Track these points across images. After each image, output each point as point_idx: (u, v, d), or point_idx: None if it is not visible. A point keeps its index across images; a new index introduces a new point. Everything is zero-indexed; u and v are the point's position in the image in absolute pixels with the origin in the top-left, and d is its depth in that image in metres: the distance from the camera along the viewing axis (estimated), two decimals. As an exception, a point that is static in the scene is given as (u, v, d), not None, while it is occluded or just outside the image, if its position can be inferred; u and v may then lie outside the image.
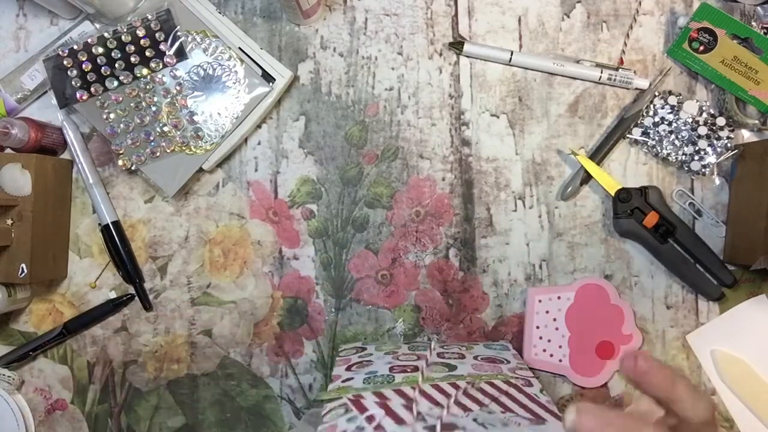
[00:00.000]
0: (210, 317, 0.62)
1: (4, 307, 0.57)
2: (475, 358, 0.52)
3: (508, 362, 0.52)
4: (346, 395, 0.44)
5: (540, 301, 0.60)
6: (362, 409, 0.42)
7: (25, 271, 0.56)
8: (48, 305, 0.62)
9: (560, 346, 0.59)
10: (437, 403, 0.42)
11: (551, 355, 0.59)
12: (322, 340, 0.61)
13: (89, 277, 0.62)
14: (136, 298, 0.61)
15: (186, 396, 0.61)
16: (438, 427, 0.35)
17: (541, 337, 0.59)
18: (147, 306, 0.61)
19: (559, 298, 0.60)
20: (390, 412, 0.41)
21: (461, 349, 0.55)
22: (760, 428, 0.58)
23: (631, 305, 0.60)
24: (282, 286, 0.62)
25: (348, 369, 0.51)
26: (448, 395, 0.43)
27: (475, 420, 0.38)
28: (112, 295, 0.62)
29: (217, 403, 0.61)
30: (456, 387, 0.44)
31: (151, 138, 0.59)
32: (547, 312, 0.60)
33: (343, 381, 0.48)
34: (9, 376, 0.59)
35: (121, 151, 0.59)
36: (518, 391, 0.45)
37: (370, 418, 0.41)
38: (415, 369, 0.48)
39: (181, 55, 0.59)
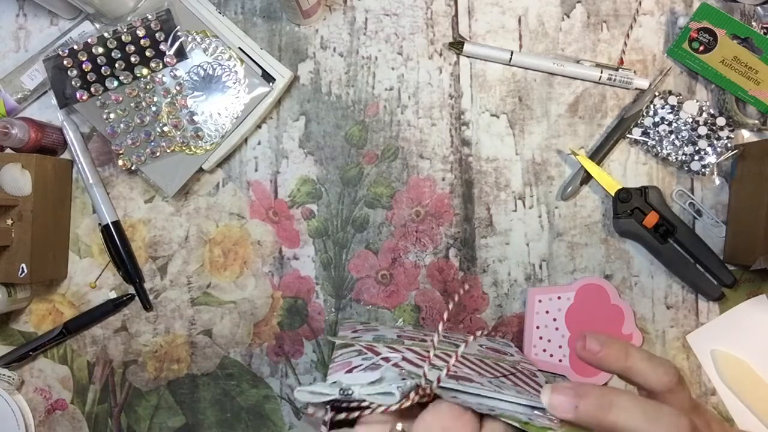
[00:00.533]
0: (210, 317, 0.62)
1: (4, 307, 0.57)
2: (480, 345, 0.52)
3: (512, 355, 0.52)
4: (359, 343, 0.43)
5: (540, 301, 0.60)
6: (376, 353, 0.40)
7: (25, 271, 0.56)
8: (48, 305, 0.62)
9: (560, 346, 0.59)
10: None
11: (551, 355, 0.59)
12: (322, 340, 0.61)
13: (89, 277, 0.62)
14: (136, 298, 0.61)
15: (186, 396, 0.61)
16: (455, 372, 0.33)
17: (541, 337, 0.59)
18: (147, 306, 0.61)
19: (559, 298, 0.60)
20: (405, 358, 0.40)
21: (465, 337, 0.54)
22: (760, 428, 0.58)
23: (631, 305, 0.60)
24: (282, 286, 0.62)
25: (354, 332, 0.49)
26: (459, 363, 0.43)
27: (490, 382, 0.37)
28: (112, 295, 0.62)
29: (217, 403, 0.61)
30: (466, 359, 0.44)
31: (151, 138, 0.59)
32: (547, 312, 0.60)
33: (352, 338, 0.46)
34: (9, 376, 0.59)
35: (121, 151, 0.59)
36: (525, 377, 0.45)
37: (386, 359, 0.39)
38: (422, 340, 0.48)
39: (181, 55, 0.59)
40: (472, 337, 0.35)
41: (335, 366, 0.39)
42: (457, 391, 0.33)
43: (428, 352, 0.33)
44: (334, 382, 0.31)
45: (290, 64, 0.63)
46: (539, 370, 0.51)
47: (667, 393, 0.34)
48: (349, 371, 0.37)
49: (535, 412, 0.32)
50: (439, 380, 0.31)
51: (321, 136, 0.62)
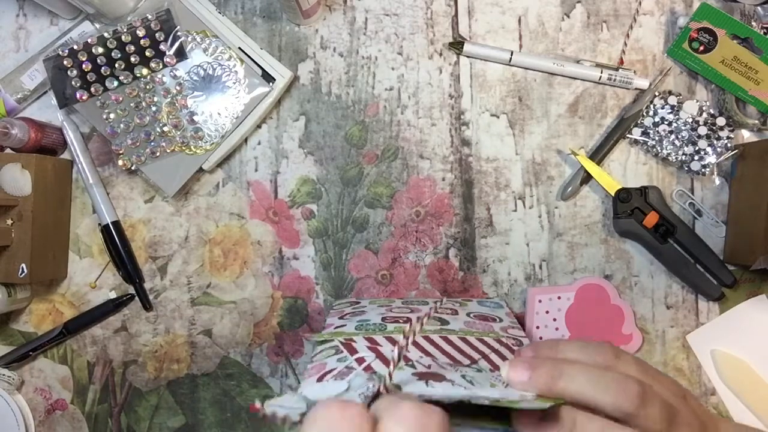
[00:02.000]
0: (210, 317, 0.62)
1: (4, 307, 0.57)
2: (468, 315, 0.51)
3: (501, 320, 0.51)
4: (338, 338, 0.44)
5: (540, 301, 0.60)
6: (353, 351, 0.42)
7: (25, 271, 0.56)
8: (48, 305, 0.62)
9: (560, 346, 0.59)
10: (427, 353, 0.42)
11: (551, 355, 0.59)
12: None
13: (89, 277, 0.62)
14: (136, 298, 0.61)
15: (186, 396, 0.61)
16: (429, 368, 0.35)
17: (541, 337, 0.59)
18: (147, 306, 0.61)
19: (559, 298, 0.60)
20: (380, 356, 0.41)
21: (455, 305, 0.54)
22: (761, 428, 0.58)
23: (631, 305, 0.60)
24: (282, 286, 0.62)
25: (341, 318, 0.50)
26: (438, 347, 0.43)
27: (463, 376, 0.38)
28: (112, 295, 0.62)
29: (217, 403, 0.61)
30: (447, 341, 0.45)
31: (151, 138, 0.59)
32: (547, 312, 0.60)
33: (335, 327, 0.48)
34: (9, 376, 0.59)
35: (121, 151, 0.59)
36: (508, 350, 0.45)
37: (360, 360, 0.40)
38: (407, 321, 0.48)
39: (181, 55, 0.59)
40: (420, 321, 0.35)
41: (311, 369, 0.40)
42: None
43: (405, 338, 0.34)
44: (303, 396, 0.32)
45: (290, 64, 0.63)
46: (525, 336, 0.50)
47: (611, 367, 0.36)
48: (321, 378, 0.38)
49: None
50: (386, 387, 0.32)
51: (321, 136, 0.62)
